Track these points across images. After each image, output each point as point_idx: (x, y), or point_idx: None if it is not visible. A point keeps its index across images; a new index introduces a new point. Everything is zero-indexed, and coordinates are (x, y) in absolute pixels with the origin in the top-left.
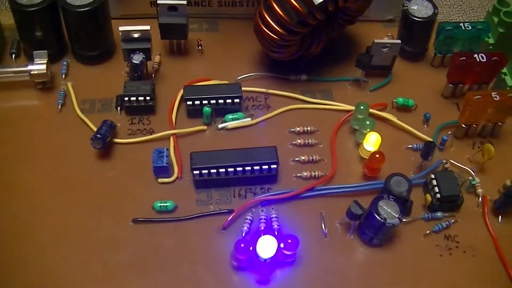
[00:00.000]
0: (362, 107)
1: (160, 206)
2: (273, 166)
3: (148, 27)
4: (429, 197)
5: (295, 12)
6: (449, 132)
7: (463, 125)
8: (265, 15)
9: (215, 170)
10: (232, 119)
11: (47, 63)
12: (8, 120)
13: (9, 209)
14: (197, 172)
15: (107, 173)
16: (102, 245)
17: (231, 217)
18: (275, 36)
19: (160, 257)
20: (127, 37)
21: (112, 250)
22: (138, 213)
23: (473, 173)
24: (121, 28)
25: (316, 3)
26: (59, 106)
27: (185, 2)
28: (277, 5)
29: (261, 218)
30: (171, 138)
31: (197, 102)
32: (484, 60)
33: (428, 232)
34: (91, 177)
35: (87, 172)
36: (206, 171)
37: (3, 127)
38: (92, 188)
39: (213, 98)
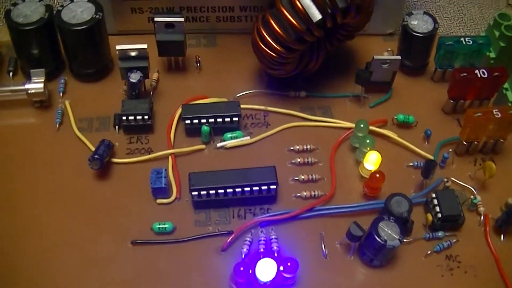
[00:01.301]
0: (362, 125)
1: (159, 227)
2: (272, 186)
3: (145, 46)
4: (430, 217)
5: (292, 29)
6: (450, 150)
7: (464, 142)
8: (263, 32)
9: (213, 191)
10: (231, 138)
11: (44, 82)
12: (6, 138)
13: (7, 226)
14: (196, 193)
15: (105, 192)
16: (99, 263)
17: (230, 238)
18: (273, 54)
19: (158, 278)
20: (124, 55)
21: (109, 268)
22: (137, 234)
23: (474, 191)
24: (118, 47)
25: (314, 20)
26: (57, 125)
27: (182, 19)
28: (274, 22)
29: (261, 240)
30: (170, 158)
31: (195, 121)
32: (485, 75)
33: (429, 252)
34: (89, 197)
35: (85, 191)
36: (205, 192)
37: (0, 145)
38: (90, 207)
39: (211, 117)
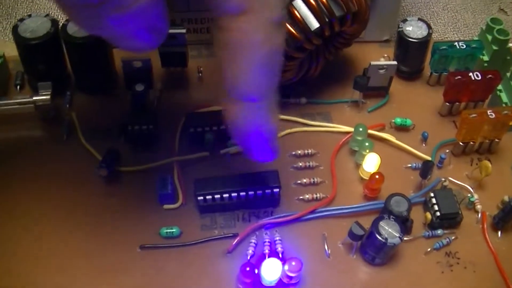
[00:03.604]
0: (360, 129)
1: (166, 232)
2: (276, 190)
3: (148, 57)
4: (429, 215)
5: (291, 38)
6: (447, 150)
7: (461, 143)
8: None
9: (218, 196)
10: (234, 144)
11: (51, 94)
12: (14, 150)
13: (16, 236)
14: (201, 198)
15: (113, 200)
16: (108, 270)
17: (235, 240)
18: None
19: (167, 282)
20: (128, 67)
21: (118, 275)
22: (144, 239)
23: (471, 190)
24: (122, 59)
25: (312, 29)
26: (64, 136)
27: (184, 31)
28: None
29: (265, 241)
30: (175, 165)
31: (199, 129)
32: (479, 78)
33: (429, 249)
34: (97, 205)
35: (93, 199)
36: (210, 197)
37: (9, 158)
38: (99, 215)
39: (214, 125)
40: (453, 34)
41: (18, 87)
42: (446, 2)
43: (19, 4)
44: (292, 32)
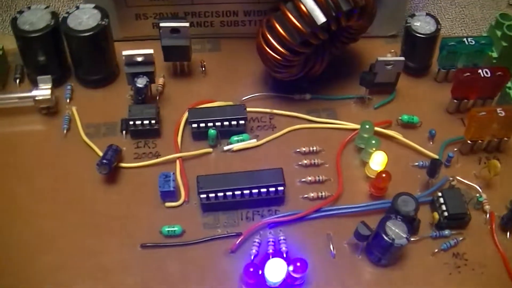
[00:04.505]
0: (367, 126)
1: (168, 230)
2: (280, 188)
3: (151, 51)
4: (436, 215)
5: (297, 32)
6: (455, 149)
7: (469, 141)
8: (268, 36)
9: (222, 194)
10: (238, 141)
11: (51, 88)
12: (14, 145)
13: (15, 233)
14: (204, 195)
15: (113, 197)
16: (109, 269)
17: (239, 240)
18: (278, 57)
19: (168, 282)
20: (130, 61)
21: (119, 274)
22: (146, 237)
23: (479, 190)
24: (124, 53)
25: (318, 23)
26: (64, 131)
27: (187, 24)
28: (279, 26)
29: (269, 241)
30: (177, 161)
31: (202, 125)
32: (488, 75)
33: (436, 250)
34: (97, 202)
35: (94, 196)
36: (213, 195)
37: (9, 153)
38: (99, 212)
39: (218, 120)
40: (461, 29)
41: (17, 80)
42: None
43: None
44: (298, 26)
